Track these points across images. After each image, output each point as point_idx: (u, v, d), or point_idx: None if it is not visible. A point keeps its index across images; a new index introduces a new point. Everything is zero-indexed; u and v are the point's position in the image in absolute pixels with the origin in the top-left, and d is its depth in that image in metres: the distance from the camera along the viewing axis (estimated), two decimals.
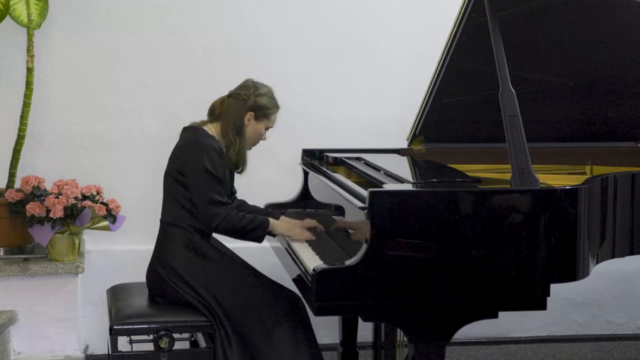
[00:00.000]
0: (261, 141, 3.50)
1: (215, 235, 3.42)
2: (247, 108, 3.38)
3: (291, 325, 3.29)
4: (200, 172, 3.25)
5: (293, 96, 4.31)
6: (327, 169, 3.68)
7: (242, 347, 3.23)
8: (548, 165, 3.82)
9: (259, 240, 3.36)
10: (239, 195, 3.69)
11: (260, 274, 3.45)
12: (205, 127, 3.40)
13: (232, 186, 3.54)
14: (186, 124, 3.46)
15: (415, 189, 2.99)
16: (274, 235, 3.47)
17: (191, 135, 3.36)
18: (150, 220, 3.71)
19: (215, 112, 3.41)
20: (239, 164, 3.41)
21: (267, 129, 3.46)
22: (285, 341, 3.25)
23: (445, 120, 3.92)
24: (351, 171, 3.63)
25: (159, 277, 3.34)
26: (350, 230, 3.16)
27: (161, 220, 3.44)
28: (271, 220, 3.39)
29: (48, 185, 4.05)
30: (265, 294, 3.33)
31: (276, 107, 3.45)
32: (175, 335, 3.20)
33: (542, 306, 2.90)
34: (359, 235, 3.00)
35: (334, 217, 3.42)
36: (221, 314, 3.24)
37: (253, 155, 3.53)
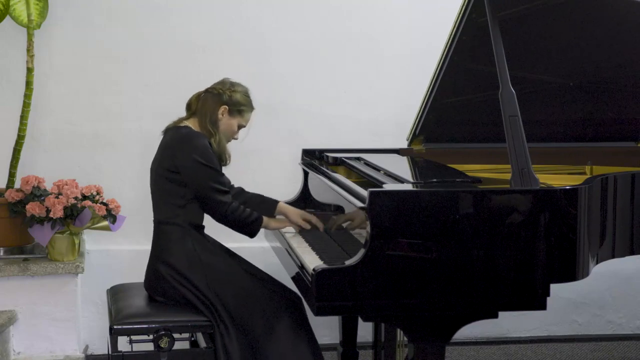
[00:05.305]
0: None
1: (212, 234, 3.43)
2: (221, 102, 3.41)
3: (292, 321, 3.30)
4: (195, 165, 3.28)
5: (293, 96, 4.31)
6: (327, 169, 3.68)
7: (243, 341, 3.23)
8: (548, 165, 3.82)
9: (254, 234, 3.40)
10: None
11: (259, 270, 3.45)
12: (186, 123, 3.42)
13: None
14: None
15: (415, 189, 2.98)
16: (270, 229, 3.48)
17: (176, 133, 3.38)
18: (150, 220, 3.70)
19: (192, 107, 3.47)
20: (222, 156, 3.42)
21: (240, 127, 3.48)
22: (287, 335, 3.26)
23: (445, 120, 3.91)
24: (351, 171, 3.63)
25: (159, 275, 3.34)
26: (346, 225, 3.16)
27: (154, 219, 3.44)
28: (280, 205, 3.51)
29: (48, 185, 4.05)
30: (265, 289, 3.33)
31: (250, 105, 3.48)
32: (175, 335, 3.21)
33: (542, 306, 2.90)
34: (358, 235, 3.00)
35: (334, 217, 3.41)
36: (221, 308, 3.24)
37: (253, 155, 3.53)
